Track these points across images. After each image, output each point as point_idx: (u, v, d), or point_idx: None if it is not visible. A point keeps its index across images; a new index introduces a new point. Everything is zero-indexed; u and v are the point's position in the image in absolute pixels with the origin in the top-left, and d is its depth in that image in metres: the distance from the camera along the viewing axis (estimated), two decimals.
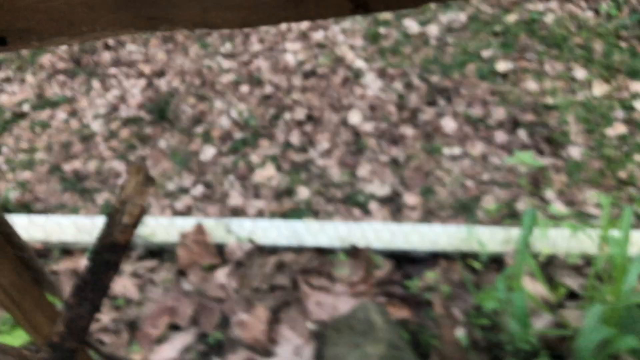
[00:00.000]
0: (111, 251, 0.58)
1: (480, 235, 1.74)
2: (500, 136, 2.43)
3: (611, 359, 1.36)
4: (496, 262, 1.70)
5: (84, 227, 1.91)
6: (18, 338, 1.62)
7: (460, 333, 1.53)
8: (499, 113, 2.50)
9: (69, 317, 0.52)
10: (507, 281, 1.50)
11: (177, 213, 2.38)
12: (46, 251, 1.89)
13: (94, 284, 0.54)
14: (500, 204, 2.19)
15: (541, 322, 1.49)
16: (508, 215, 2.11)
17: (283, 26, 3.36)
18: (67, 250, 1.87)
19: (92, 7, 0.50)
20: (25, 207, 2.44)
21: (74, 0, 0.50)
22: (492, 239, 1.73)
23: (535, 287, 1.56)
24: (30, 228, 1.92)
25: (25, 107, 2.86)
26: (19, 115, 2.84)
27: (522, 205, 2.15)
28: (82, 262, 1.79)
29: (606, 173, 2.26)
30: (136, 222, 0.61)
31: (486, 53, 2.73)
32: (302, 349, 1.54)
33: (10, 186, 2.57)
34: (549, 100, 2.51)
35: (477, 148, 2.42)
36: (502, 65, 2.65)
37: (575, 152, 2.29)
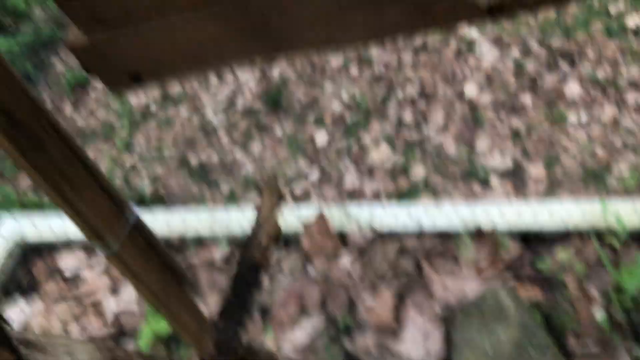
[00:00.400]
0: (252, 272, 0.60)
1: (618, 210, 1.61)
2: (633, 97, 2.22)
3: None
4: (637, 239, 1.57)
5: (217, 218, 2.02)
6: (163, 324, 1.76)
7: (599, 314, 1.44)
8: (631, 72, 2.28)
9: (219, 339, 0.55)
10: None
11: (296, 198, 2.44)
12: (182, 244, 2.03)
13: (238, 303, 0.56)
14: (637, 170, 2.01)
15: None
16: None
17: None
18: (200, 242, 2.00)
19: (219, 41, 0.51)
20: (159, 200, 2.62)
21: (201, 36, 0.51)
22: (631, 213, 1.60)
23: None
24: (168, 221, 2.06)
25: (153, 107, 3.06)
26: (147, 115, 3.04)
27: None
28: (216, 254, 1.90)
29: None
30: (275, 240, 0.63)
31: (614, 8, 2.49)
32: (430, 333, 1.53)
33: (145, 182, 2.77)
34: None
35: (607, 112, 2.23)
36: (633, 20, 2.41)
37: None
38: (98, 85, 3.29)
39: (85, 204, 0.90)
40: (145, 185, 2.79)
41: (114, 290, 1.92)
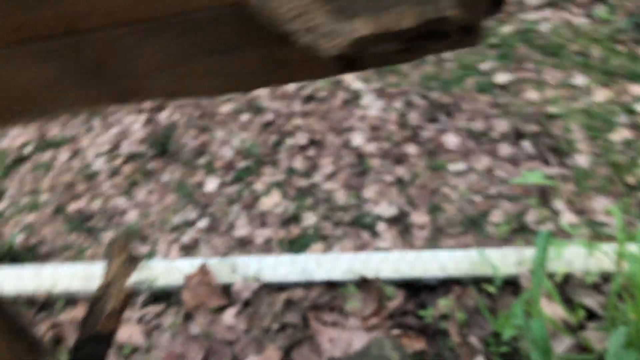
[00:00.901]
0: (96, 342, 0.51)
1: (492, 258, 1.66)
2: (505, 149, 2.36)
3: None
4: (511, 284, 1.62)
5: (91, 275, 1.85)
6: None
7: None
8: (501, 125, 2.43)
9: None
10: (524, 306, 1.42)
11: (183, 247, 2.32)
12: (51, 301, 1.83)
13: None
14: (510, 217, 2.11)
15: (562, 346, 1.41)
16: (518, 230, 2.03)
17: None
18: (71, 300, 1.81)
19: (54, 87, 0.44)
20: (30, 251, 2.38)
21: (35, 82, 0.44)
22: (504, 261, 1.66)
23: (553, 310, 1.48)
24: (34, 278, 1.86)
25: (28, 150, 2.82)
26: (22, 158, 2.80)
27: (532, 217, 2.08)
28: None
29: (614, 179, 2.18)
30: (123, 306, 0.55)
31: (484, 66, 2.67)
32: None
33: (16, 230, 2.51)
34: (551, 109, 2.44)
35: (482, 162, 2.35)
36: (502, 77, 2.59)
37: (581, 160, 2.21)
38: None
39: None
40: (15, 235, 2.53)
41: None
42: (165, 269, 1.75)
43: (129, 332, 1.61)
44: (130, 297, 0.54)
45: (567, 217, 2.03)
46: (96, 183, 2.70)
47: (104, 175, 2.71)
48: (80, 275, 1.79)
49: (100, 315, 0.53)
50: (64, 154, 2.81)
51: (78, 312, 1.71)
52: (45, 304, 1.85)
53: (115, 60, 0.41)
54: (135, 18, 0.38)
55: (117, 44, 0.39)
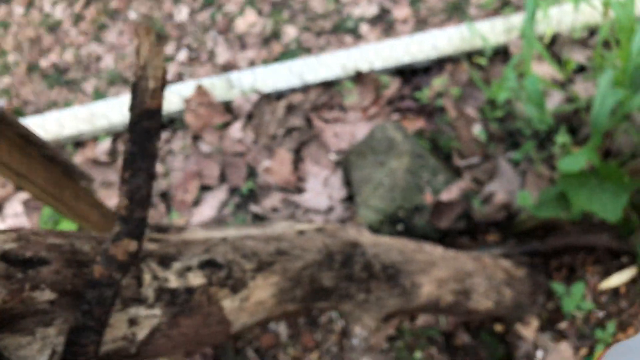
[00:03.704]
0: (147, 118, 0.58)
1: (481, 30, 1.72)
2: None
3: (625, 119, 1.42)
4: (501, 54, 1.70)
5: (84, 117, 1.90)
6: (59, 227, 1.70)
7: (477, 129, 1.59)
8: None
9: (129, 189, 0.54)
10: (516, 69, 1.51)
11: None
12: (59, 148, 1.91)
13: (142, 153, 0.56)
14: None
15: (554, 101, 1.53)
16: (502, 7, 2.06)
17: None
18: (78, 143, 1.89)
19: None
20: (17, 113, 2.41)
21: None
22: (493, 31, 1.72)
23: (543, 69, 1.58)
24: (39, 129, 1.91)
25: None
26: None
27: None
28: (97, 150, 1.81)
29: None
30: (162, 84, 0.61)
31: None
32: (329, 179, 1.62)
33: None
34: None
35: None
36: None
37: None
38: None
39: None
40: None
41: None
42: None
43: None
44: (166, 73, 0.61)
45: None
46: (62, 33, 2.64)
47: (68, 23, 2.64)
48: (83, 117, 1.85)
49: (144, 94, 0.59)
50: (18, 8, 2.70)
51: (89, 151, 1.80)
52: None
53: None
54: None
55: None
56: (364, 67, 1.74)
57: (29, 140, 0.95)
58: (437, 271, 1.13)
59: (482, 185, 1.51)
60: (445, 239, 1.51)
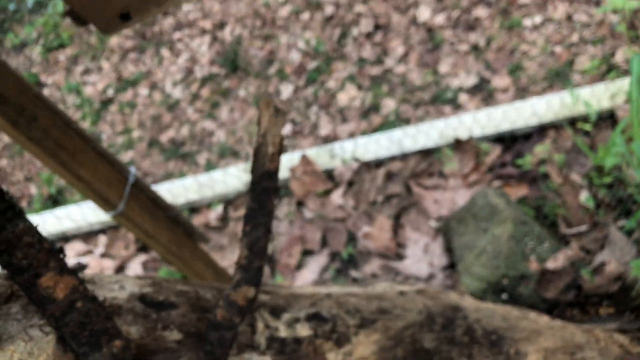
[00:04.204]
0: (267, 179, 0.66)
1: (584, 96, 1.71)
2: None
3: None
4: (607, 119, 1.67)
5: (205, 184, 2.06)
6: None
7: (584, 196, 1.55)
8: None
9: (249, 241, 0.61)
10: (624, 133, 1.48)
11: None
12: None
13: (261, 209, 0.63)
14: (597, 60, 2.11)
15: None
16: (607, 72, 2.04)
17: None
18: (194, 209, 2.05)
19: None
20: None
21: None
22: (596, 96, 1.70)
23: None
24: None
25: (110, 92, 3.05)
26: (107, 101, 3.03)
27: (622, 56, 2.07)
28: (211, 215, 1.95)
29: None
30: (280, 150, 0.69)
31: None
32: (430, 246, 1.63)
33: None
34: None
35: (560, 9, 2.32)
36: None
37: None
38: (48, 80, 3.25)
39: (84, 169, 0.95)
40: None
41: (120, 268, 1.97)
42: None
43: None
44: (284, 140, 0.68)
45: None
46: (179, 111, 2.91)
47: (185, 102, 2.91)
48: (194, 188, 2.01)
49: (264, 158, 0.67)
50: (143, 90, 3.02)
51: (203, 216, 1.95)
52: None
53: None
54: None
55: None
56: (463, 134, 1.77)
57: (157, 203, 1.07)
58: (544, 341, 1.10)
59: (591, 255, 1.46)
60: (553, 310, 1.45)
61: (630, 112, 1.38)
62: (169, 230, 1.12)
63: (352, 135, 2.41)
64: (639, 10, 2.12)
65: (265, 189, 0.65)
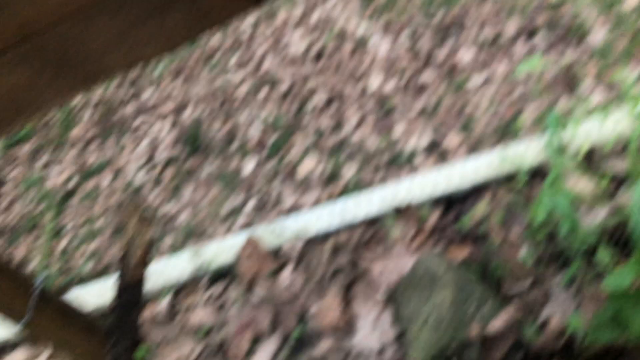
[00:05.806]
0: (128, 291, 0.70)
1: (516, 153, 1.78)
2: (520, 49, 2.43)
3: None
4: (540, 173, 1.74)
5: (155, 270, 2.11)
6: None
7: (523, 252, 1.59)
8: (511, 27, 2.50)
9: (114, 354, 0.65)
10: (552, 188, 1.54)
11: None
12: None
13: (124, 322, 0.67)
14: (540, 114, 2.20)
15: (599, 216, 1.52)
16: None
17: (279, 20, 3.47)
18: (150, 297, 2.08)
19: (32, 87, 0.61)
20: (102, 275, 2.68)
21: (16, 87, 0.61)
22: (529, 152, 1.77)
23: (582, 185, 1.59)
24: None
25: (72, 183, 3.13)
26: (69, 193, 3.11)
27: (562, 106, 2.16)
28: (160, 306, 1.98)
29: (633, 50, 2.23)
30: (144, 260, 0.74)
31: None
32: (379, 318, 1.66)
33: (82, 261, 2.82)
34: None
35: (500, 69, 2.43)
36: None
37: (597, 37, 2.26)
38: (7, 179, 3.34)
39: None
40: (83, 264, 2.84)
41: None
42: (219, 249, 1.98)
43: (200, 315, 1.86)
44: (149, 250, 0.74)
45: (596, 97, 2.10)
46: (142, 196, 2.98)
47: (148, 187, 2.98)
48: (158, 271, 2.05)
49: (128, 269, 0.72)
50: (106, 178, 3.11)
51: (151, 308, 1.97)
52: None
53: (74, 49, 0.58)
54: (74, 9, 0.54)
55: (70, 35, 0.56)
56: (404, 201, 1.83)
57: (67, 312, 1.10)
58: None
59: (535, 312, 1.49)
60: None
61: (552, 166, 1.45)
62: (83, 340, 1.13)
63: (316, 203, 2.47)
64: (570, 66, 2.24)
65: (127, 302, 0.69)
